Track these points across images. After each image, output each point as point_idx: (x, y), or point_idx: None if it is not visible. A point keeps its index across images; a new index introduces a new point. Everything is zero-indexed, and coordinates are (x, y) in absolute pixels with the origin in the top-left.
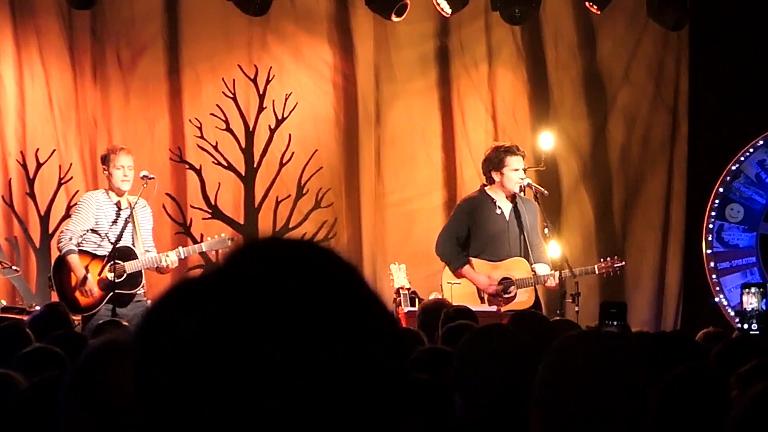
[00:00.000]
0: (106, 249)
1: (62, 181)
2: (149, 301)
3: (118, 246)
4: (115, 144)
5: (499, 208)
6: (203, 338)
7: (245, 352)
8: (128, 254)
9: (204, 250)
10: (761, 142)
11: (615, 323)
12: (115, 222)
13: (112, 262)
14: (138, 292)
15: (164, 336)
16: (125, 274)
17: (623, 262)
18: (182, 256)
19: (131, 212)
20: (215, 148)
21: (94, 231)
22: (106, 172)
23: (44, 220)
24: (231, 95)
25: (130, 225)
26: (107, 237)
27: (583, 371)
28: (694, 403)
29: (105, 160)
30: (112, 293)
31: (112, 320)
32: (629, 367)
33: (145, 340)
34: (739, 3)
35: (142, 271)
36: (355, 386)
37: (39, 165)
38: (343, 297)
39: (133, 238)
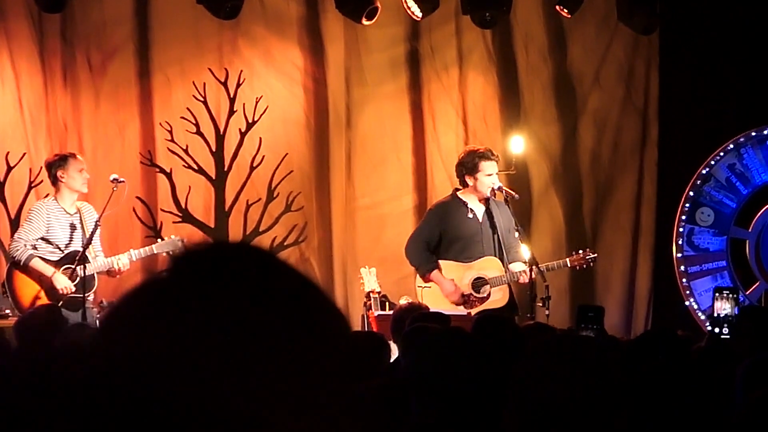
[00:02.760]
0: (57, 255)
1: (32, 185)
2: (95, 309)
3: (69, 251)
4: (66, 150)
5: (471, 211)
6: (158, 340)
7: (196, 349)
8: (80, 258)
9: (155, 252)
10: (731, 146)
11: (592, 327)
12: (66, 228)
13: (67, 267)
14: (89, 298)
15: (123, 335)
16: (78, 278)
17: (595, 254)
18: (133, 259)
19: (80, 215)
20: (186, 151)
21: (44, 239)
22: (63, 177)
23: (14, 223)
24: (201, 99)
25: (80, 228)
26: (58, 243)
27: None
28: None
29: (63, 163)
30: (63, 300)
31: (80, 323)
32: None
33: (107, 340)
34: (708, 7)
35: (95, 275)
36: (297, 384)
37: (9, 168)
38: (286, 296)
39: (83, 241)
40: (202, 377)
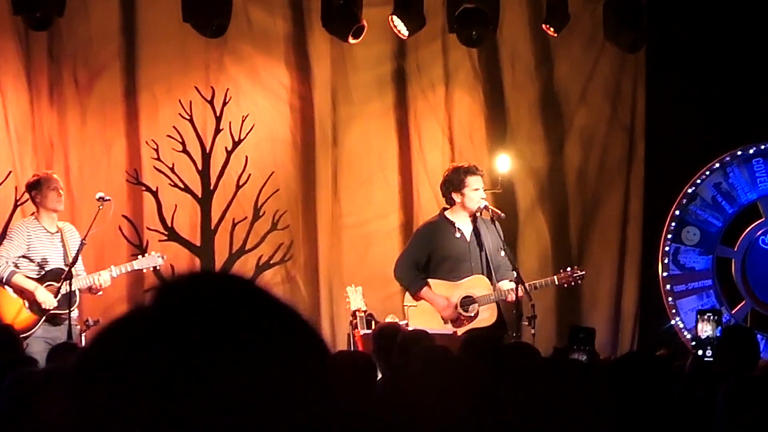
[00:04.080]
0: (38, 273)
1: (18, 203)
2: (78, 326)
3: (51, 268)
4: (42, 170)
5: (459, 231)
6: (138, 368)
7: (180, 382)
8: (60, 275)
9: (136, 268)
10: (717, 165)
11: (584, 348)
12: (47, 246)
13: (49, 284)
14: (72, 315)
15: (103, 368)
16: (60, 295)
17: (583, 272)
18: (114, 275)
19: (62, 235)
20: (172, 169)
21: (25, 257)
22: (39, 196)
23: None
24: (188, 117)
25: (61, 247)
26: (39, 262)
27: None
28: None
29: (36, 184)
30: (47, 315)
31: (67, 343)
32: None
33: (86, 371)
34: (695, 25)
35: (77, 292)
36: (278, 414)
37: None
38: (268, 325)
39: (64, 260)
40: (187, 409)
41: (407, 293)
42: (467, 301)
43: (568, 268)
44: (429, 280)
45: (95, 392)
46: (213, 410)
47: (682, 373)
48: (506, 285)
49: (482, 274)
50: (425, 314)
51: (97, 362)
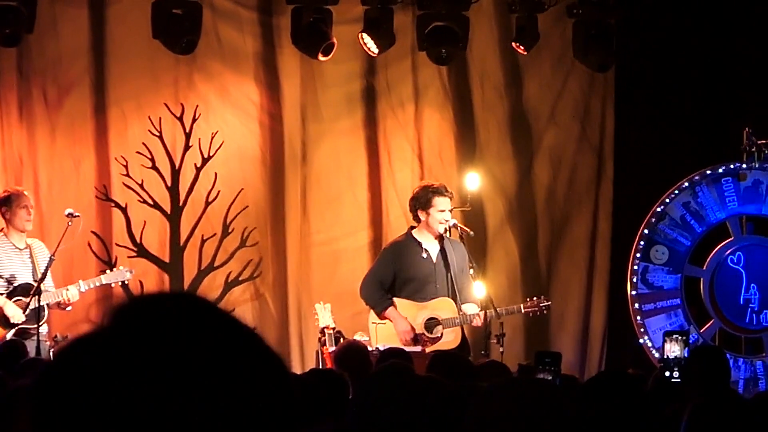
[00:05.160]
0: (6, 288)
1: None
2: (48, 342)
3: (19, 284)
4: (13, 186)
5: (426, 251)
6: (96, 388)
7: (135, 400)
8: (29, 290)
9: (104, 282)
10: (686, 184)
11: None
12: (15, 262)
13: (18, 299)
14: (41, 331)
15: (63, 385)
16: (28, 310)
17: (549, 302)
18: (82, 290)
19: (30, 251)
20: (141, 186)
21: None
22: (8, 213)
23: None
24: (157, 133)
25: (29, 263)
26: (7, 277)
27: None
28: None
29: (6, 201)
30: (15, 329)
31: (34, 359)
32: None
33: (46, 389)
34: (664, 45)
35: (45, 307)
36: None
37: None
38: (224, 345)
39: (33, 275)
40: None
41: (371, 312)
42: (432, 323)
43: (535, 297)
44: (395, 299)
45: (52, 413)
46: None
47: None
48: (471, 309)
49: (447, 295)
50: (391, 332)
51: (54, 384)
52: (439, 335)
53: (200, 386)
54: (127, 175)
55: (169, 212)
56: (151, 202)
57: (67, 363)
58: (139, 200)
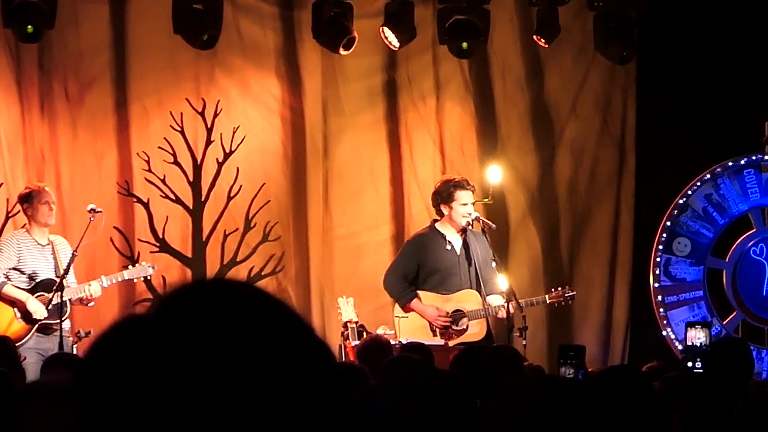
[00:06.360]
0: (29, 284)
1: (9, 215)
2: (71, 338)
3: (41, 279)
4: (35, 183)
5: (449, 243)
6: (143, 377)
7: (184, 389)
8: (51, 286)
9: (126, 278)
10: (708, 176)
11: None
12: (37, 258)
13: (40, 294)
14: (64, 326)
15: (107, 375)
16: (51, 305)
17: (574, 292)
18: (104, 285)
19: (52, 247)
20: (163, 181)
21: (16, 268)
22: (30, 210)
23: None
24: (179, 128)
25: (52, 259)
26: (29, 273)
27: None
28: None
29: (28, 197)
30: (37, 324)
31: (60, 354)
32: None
33: (89, 378)
34: (685, 37)
35: (68, 303)
36: (287, 415)
37: None
38: (276, 336)
39: (55, 271)
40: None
41: (396, 305)
42: (458, 315)
43: (559, 288)
44: (419, 292)
45: (97, 407)
46: (218, 421)
47: (668, 384)
48: (496, 300)
49: (471, 287)
50: (415, 326)
51: (97, 377)
52: (465, 327)
53: (246, 369)
54: (149, 170)
55: (191, 207)
56: (173, 197)
57: (107, 357)
58: (161, 195)
